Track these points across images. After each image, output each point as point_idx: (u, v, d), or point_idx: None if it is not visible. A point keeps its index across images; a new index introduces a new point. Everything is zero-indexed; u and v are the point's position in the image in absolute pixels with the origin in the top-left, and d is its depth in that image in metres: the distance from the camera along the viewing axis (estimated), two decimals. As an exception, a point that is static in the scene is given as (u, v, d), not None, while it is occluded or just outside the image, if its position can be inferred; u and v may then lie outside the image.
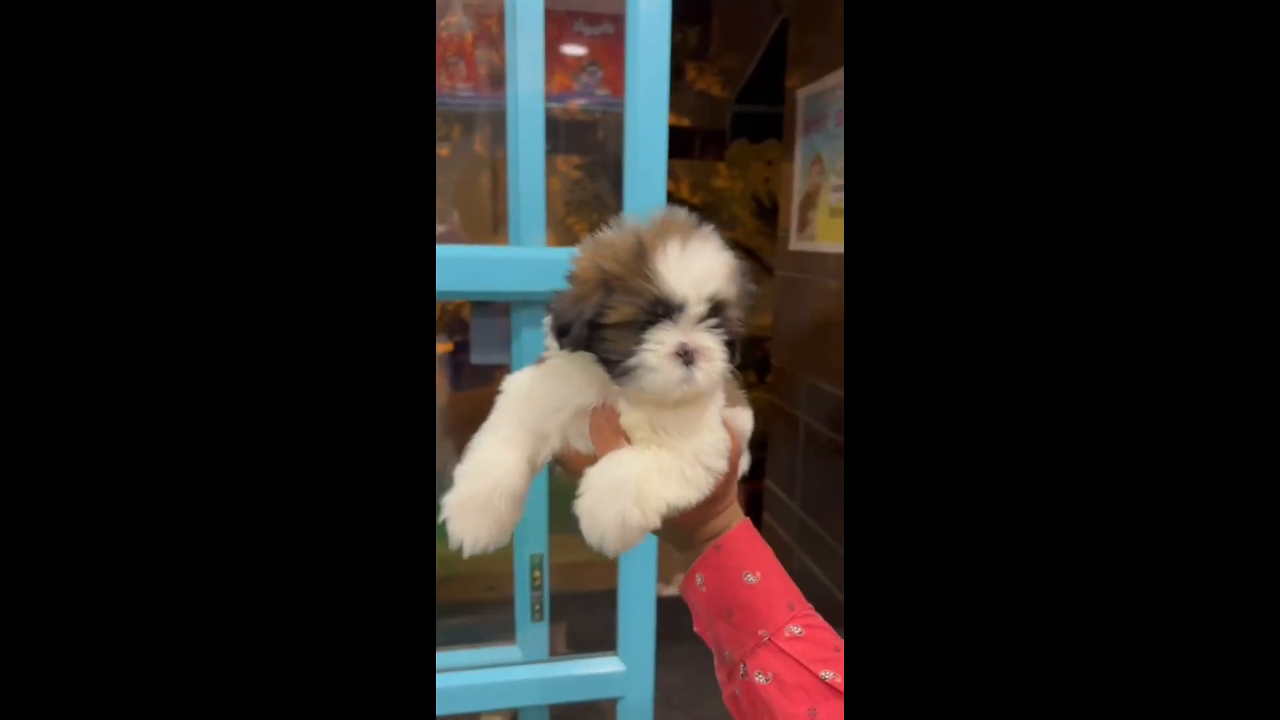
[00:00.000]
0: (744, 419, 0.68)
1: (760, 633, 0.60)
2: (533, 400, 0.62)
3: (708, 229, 0.59)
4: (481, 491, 0.59)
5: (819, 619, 0.62)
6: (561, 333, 0.59)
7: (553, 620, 1.23)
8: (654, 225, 0.59)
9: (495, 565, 1.23)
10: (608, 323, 0.57)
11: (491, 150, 2.36)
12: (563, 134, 2.65)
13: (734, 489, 0.66)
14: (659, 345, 0.55)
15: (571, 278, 0.60)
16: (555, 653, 1.23)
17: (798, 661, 0.58)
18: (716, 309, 0.57)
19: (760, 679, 0.58)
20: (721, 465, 0.60)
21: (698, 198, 3.18)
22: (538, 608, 1.21)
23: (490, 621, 1.26)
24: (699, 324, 0.56)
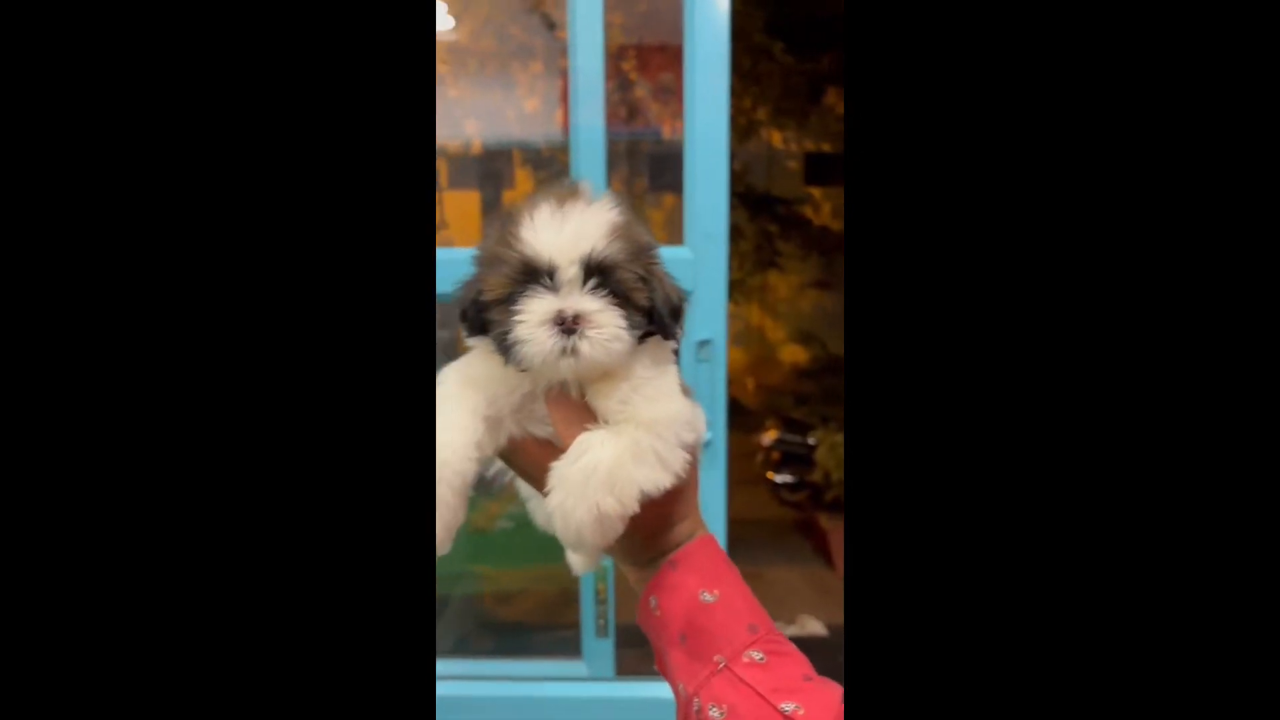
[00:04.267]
0: (698, 415, 0.61)
1: (715, 658, 0.52)
2: (479, 383, 0.56)
3: (601, 193, 0.55)
4: None
5: (788, 645, 0.55)
6: (461, 319, 0.56)
7: (631, 646, 1.19)
8: (534, 194, 0.55)
9: (570, 583, 1.22)
10: (487, 300, 0.53)
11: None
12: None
13: (696, 494, 0.60)
14: (530, 314, 0.51)
15: (474, 261, 0.57)
16: (623, 673, 1.19)
17: (755, 691, 0.51)
18: (599, 271, 0.52)
19: (714, 714, 0.51)
20: (691, 437, 0.55)
21: (838, 223, 3.16)
22: (602, 623, 1.17)
23: (559, 637, 1.25)
24: (581, 289, 0.52)
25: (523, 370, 0.53)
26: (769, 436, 4.10)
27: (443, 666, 1.25)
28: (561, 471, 0.52)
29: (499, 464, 0.60)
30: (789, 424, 4.06)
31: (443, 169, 2.75)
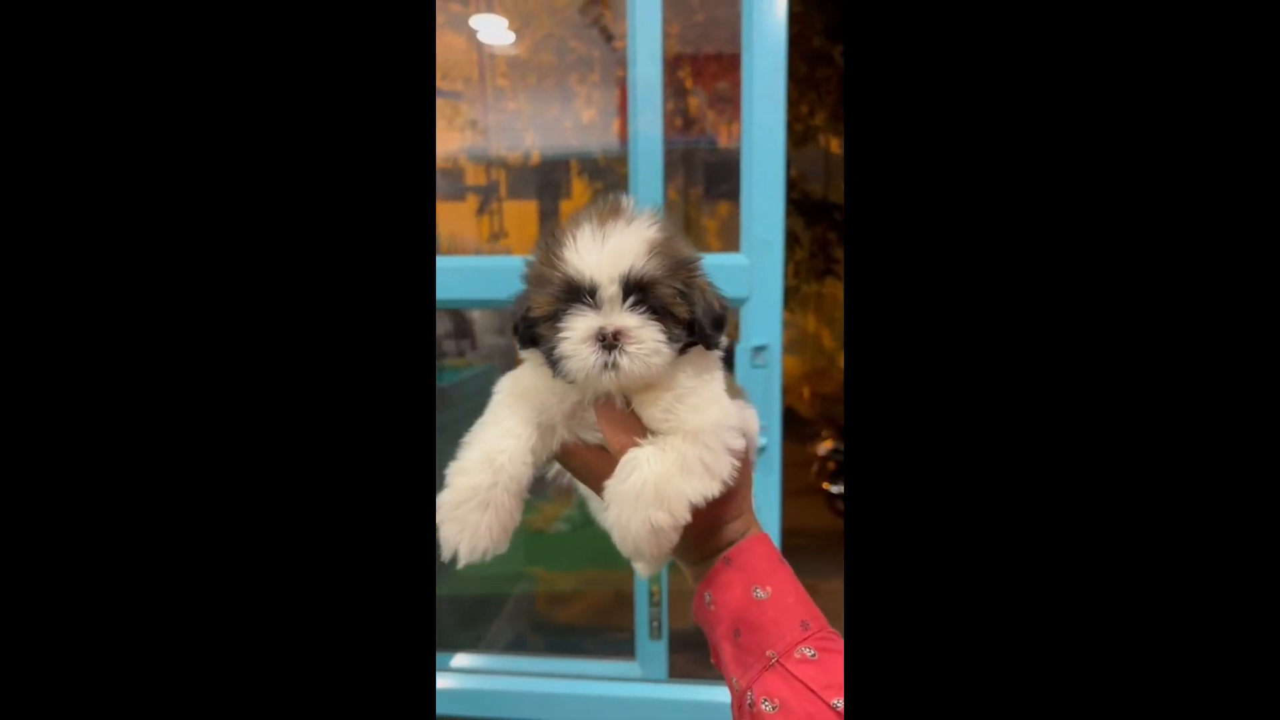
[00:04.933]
0: (749, 417, 0.62)
1: (768, 653, 0.54)
2: (533, 393, 0.59)
3: (641, 210, 0.57)
4: (483, 486, 0.55)
5: (839, 642, 0.56)
6: (513, 333, 0.59)
7: (685, 649, 1.19)
8: (577, 214, 0.57)
9: (625, 586, 1.23)
10: (535, 317, 0.56)
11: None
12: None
13: (748, 494, 0.61)
14: (572, 331, 0.54)
15: (522, 278, 0.60)
16: (676, 675, 1.19)
17: (807, 687, 0.52)
18: (638, 287, 0.54)
19: (766, 707, 0.52)
20: (739, 443, 0.56)
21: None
22: (655, 624, 1.17)
23: (614, 639, 1.27)
24: (622, 306, 0.54)
25: (569, 383, 0.56)
26: (824, 446, 4.04)
27: (497, 663, 1.27)
28: (614, 489, 0.55)
29: (556, 466, 0.63)
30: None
31: (502, 179, 2.82)
